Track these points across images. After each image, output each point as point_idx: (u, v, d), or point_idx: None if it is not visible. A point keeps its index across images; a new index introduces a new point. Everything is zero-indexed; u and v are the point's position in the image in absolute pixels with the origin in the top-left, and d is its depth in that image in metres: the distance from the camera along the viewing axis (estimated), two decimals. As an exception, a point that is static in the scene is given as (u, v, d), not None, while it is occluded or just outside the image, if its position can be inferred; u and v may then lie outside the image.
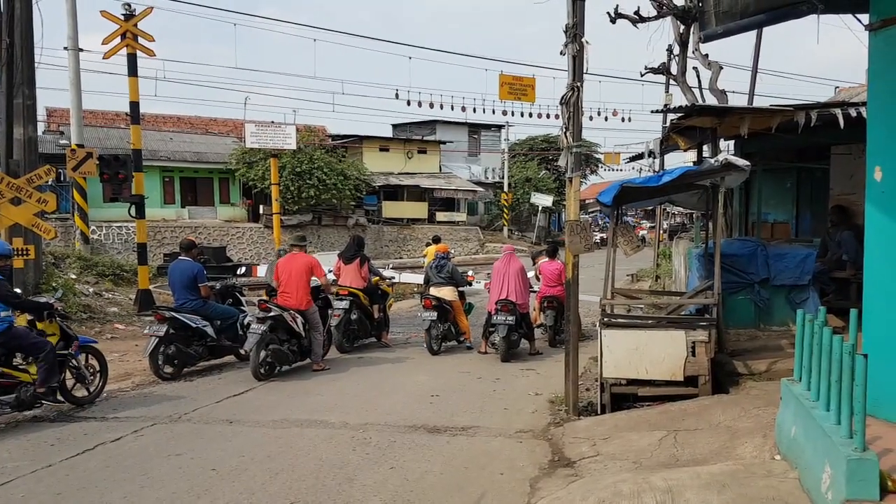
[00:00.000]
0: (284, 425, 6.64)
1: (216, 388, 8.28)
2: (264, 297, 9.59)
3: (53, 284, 12.20)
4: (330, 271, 11.34)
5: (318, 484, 5.08)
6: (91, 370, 7.68)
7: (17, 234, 10.49)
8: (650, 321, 7.66)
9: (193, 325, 8.95)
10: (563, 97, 6.83)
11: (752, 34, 14.29)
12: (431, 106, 28.73)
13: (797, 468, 4.23)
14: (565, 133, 6.80)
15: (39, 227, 10.90)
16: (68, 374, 7.35)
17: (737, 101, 16.61)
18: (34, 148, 12.02)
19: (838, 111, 6.63)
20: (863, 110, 6.54)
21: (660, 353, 6.73)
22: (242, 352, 9.44)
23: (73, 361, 7.38)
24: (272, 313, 8.73)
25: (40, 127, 31.00)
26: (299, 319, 9.04)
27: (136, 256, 14.72)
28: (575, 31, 6.67)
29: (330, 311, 10.26)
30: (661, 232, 24.29)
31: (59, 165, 21.03)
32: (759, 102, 14.21)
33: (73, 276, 14.10)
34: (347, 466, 5.44)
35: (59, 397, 6.95)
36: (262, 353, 8.57)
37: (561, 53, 6.90)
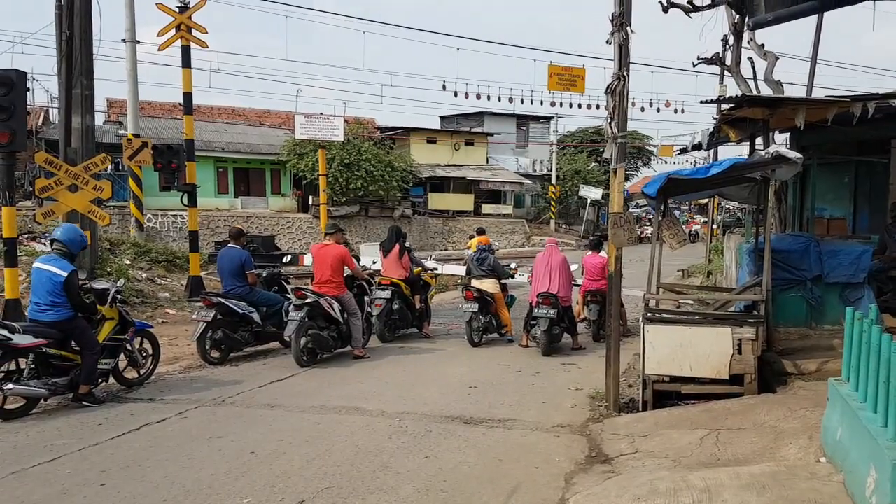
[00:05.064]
0: (323, 411, 6.73)
1: (260, 373, 8.44)
2: (300, 286, 9.73)
3: (108, 270, 12.60)
4: (375, 262, 11.40)
5: (353, 470, 5.13)
6: (144, 353, 7.91)
7: (74, 220, 10.83)
8: (696, 317, 7.49)
9: (240, 311, 9.13)
10: (608, 86, 6.72)
11: (812, 22, 13.77)
12: (479, 97, 28.65)
13: (842, 471, 4.08)
14: (610, 123, 6.68)
15: (95, 214, 11.24)
16: (122, 357, 7.59)
17: (795, 92, 16.05)
18: (91, 137, 12.37)
19: (897, 102, 6.34)
20: (925, 101, 6.25)
21: (705, 350, 6.57)
22: (286, 338, 9.61)
23: (128, 346, 7.62)
24: (308, 300, 8.84)
25: (101, 117, 32.07)
26: (335, 305, 9.14)
27: (188, 244, 15.08)
28: (622, 20, 6.53)
29: (367, 299, 10.33)
30: (715, 227, 23.68)
31: (118, 155, 21.69)
32: (818, 94, 13.71)
33: (128, 262, 14.53)
34: (383, 454, 5.48)
35: (100, 395, 7.14)
36: (303, 340, 8.71)
37: (607, 42, 6.77)
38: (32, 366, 6.57)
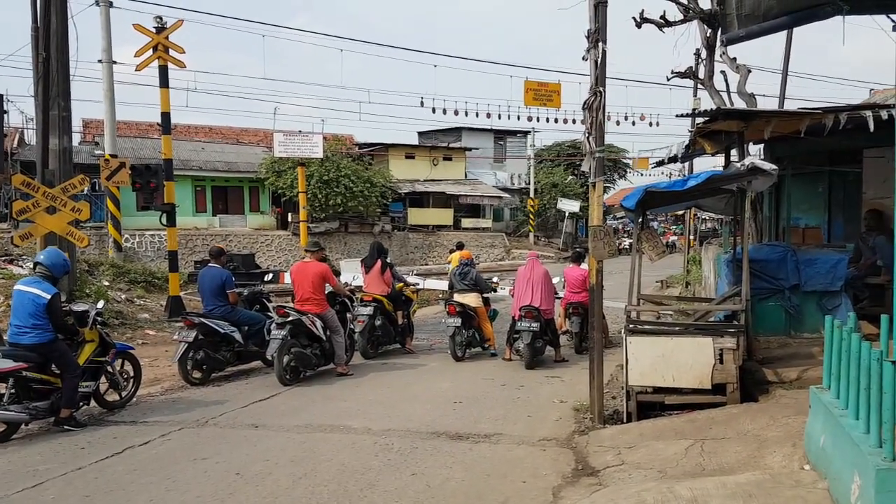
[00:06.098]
0: (308, 430, 6.68)
1: (243, 393, 8.37)
2: (281, 304, 9.70)
3: (87, 291, 12.45)
4: (355, 278, 11.35)
5: (340, 489, 5.10)
6: (125, 376, 7.84)
7: (52, 242, 10.70)
8: (677, 328, 7.56)
9: (222, 331, 9.06)
10: (585, 102, 6.81)
11: (782, 36, 14.08)
12: (456, 113, 28.78)
13: (826, 478, 4.14)
14: (588, 138, 6.76)
15: (73, 236, 11.13)
16: (103, 380, 7.49)
17: (768, 104, 16.35)
18: (69, 158, 12.24)
19: (868, 113, 6.48)
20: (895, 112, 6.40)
21: (687, 361, 6.63)
22: (269, 357, 9.55)
23: (109, 368, 7.53)
24: (290, 318, 8.81)
25: (76, 138, 31.70)
26: (318, 322, 9.12)
27: (167, 264, 14.96)
28: (597, 37, 6.63)
29: (348, 315, 10.31)
30: (692, 238, 23.98)
31: (95, 175, 21.45)
32: (790, 106, 13.97)
33: (106, 284, 14.37)
34: (369, 472, 5.46)
35: (81, 419, 7.05)
36: (286, 358, 8.66)
37: (583, 59, 6.87)
38: (13, 390, 6.47)
